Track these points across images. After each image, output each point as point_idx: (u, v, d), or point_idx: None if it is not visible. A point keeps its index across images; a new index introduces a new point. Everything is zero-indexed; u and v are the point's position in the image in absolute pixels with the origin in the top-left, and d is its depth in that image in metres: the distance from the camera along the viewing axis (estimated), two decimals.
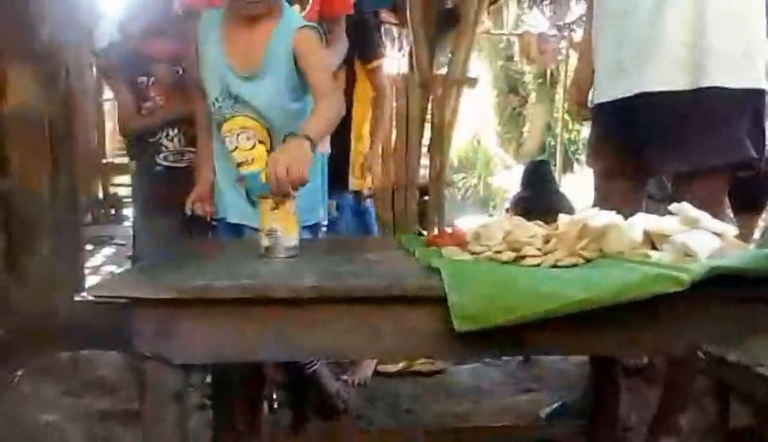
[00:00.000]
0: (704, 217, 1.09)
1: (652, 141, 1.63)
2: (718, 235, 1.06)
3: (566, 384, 2.45)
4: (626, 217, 1.18)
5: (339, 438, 2.06)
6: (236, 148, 1.72)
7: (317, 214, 1.84)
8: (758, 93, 1.58)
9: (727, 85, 1.53)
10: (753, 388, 0.83)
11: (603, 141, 1.81)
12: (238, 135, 1.72)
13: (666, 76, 1.57)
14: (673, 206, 1.16)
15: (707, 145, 1.55)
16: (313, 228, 1.83)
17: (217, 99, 1.73)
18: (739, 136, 1.55)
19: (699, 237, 1.04)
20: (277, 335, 0.95)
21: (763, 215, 3.24)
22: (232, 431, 1.64)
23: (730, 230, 1.09)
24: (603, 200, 1.74)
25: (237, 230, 1.79)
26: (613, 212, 1.20)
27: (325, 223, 2.10)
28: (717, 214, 1.37)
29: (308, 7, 1.99)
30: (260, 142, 1.71)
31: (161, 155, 2.27)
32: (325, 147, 1.96)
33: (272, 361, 1.66)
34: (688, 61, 1.55)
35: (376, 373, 2.58)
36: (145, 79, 2.27)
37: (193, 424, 1.23)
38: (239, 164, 1.73)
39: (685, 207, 1.12)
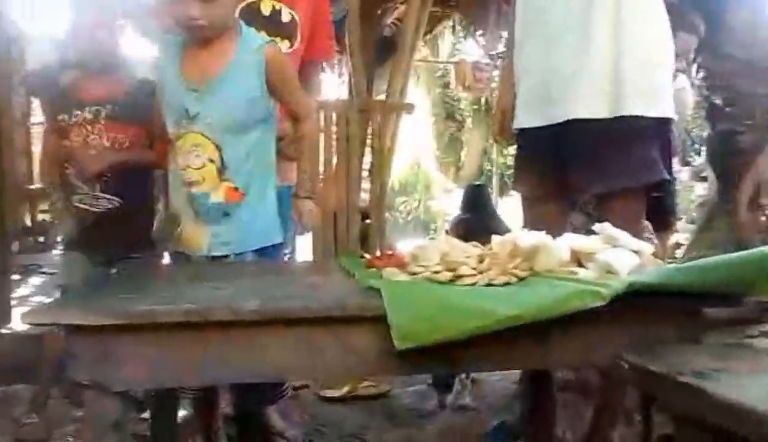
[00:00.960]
0: (623, 236, 1.17)
1: (575, 164, 1.74)
2: (636, 252, 1.14)
3: (508, 403, 2.51)
4: (554, 237, 1.26)
5: None
6: (187, 166, 1.71)
7: (272, 237, 1.84)
8: (667, 122, 1.75)
9: (642, 114, 1.67)
10: (672, 397, 0.86)
11: (529, 165, 1.91)
12: (189, 153, 1.70)
13: (590, 105, 1.69)
14: (597, 226, 1.24)
15: (625, 167, 1.68)
16: (269, 250, 1.82)
17: (173, 123, 1.72)
18: (652, 159, 1.69)
19: (620, 255, 1.12)
20: (220, 358, 0.95)
21: (682, 234, 3.46)
22: None
23: (647, 248, 1.18)
24: (531, 222, 1.84)
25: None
26: (542, 233, 1.26)
27: (288, 250, 2.12)
28: (636, 232, 1.48)
29: (295, 45, 2.03)
30: (210, 161, 1.70)
31: (77, 197, 2.15)
32: (290, 178, 1.98)
33: (214, 384, 1.64)
34: (608, 93, 1.68)
35: (321, 398, 2.57)
36: (66, 117, 2.13)
37: None
38: (190, 184, 1.71)
39: (607, 227, 1.20)
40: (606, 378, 1.71)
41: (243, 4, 1.96)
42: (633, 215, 1.69)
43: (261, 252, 1.79)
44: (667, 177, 1.72)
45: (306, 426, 2.30)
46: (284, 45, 1.96)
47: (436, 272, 1.16)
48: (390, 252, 1.36)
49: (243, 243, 1.77)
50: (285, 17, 2.03)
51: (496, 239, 1.28)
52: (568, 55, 1.72)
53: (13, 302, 3.09)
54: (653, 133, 1.70)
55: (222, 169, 1.71)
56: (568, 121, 1.71)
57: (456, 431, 2.29)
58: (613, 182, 1.69)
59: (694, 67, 2.55)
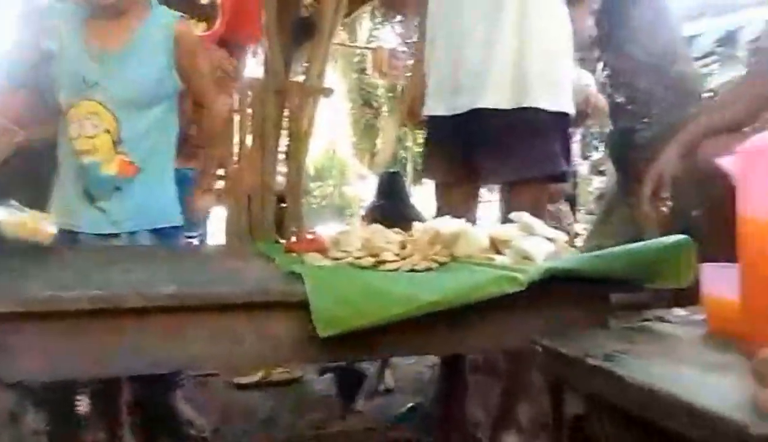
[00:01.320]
0: (539, 224, 1.22)
1: (482, 152, 1.82)
2: (551, 240, 1.19)
3: (420, 387, 2.56)
4: (463, 220, 1.29)
5: None
6: (80, 135, 1.61)
7: (169, 218, 1.77)
8: (566, 116, 1.85)
9: (543, 107, 1.76)
10: (583, 378, 0.90)
11: (438, 151, 1.97)
12: (83, 121, 1.61)
13: (496, 96, 1.77)
14: (513, 214, 1.28)
15: (527, 159, 1.77)
16: (166, 231, 1.75)
17: (67, 91, 1.61)
18: (553, 152, 1.79)
19: (536, 242, 1.16)
20: (132, 347, 0.89)
21: (581, 225, 3.66)
22: None
23: (561, 236, 1.23)
24: (443, 206, 1.93)
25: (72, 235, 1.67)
26: (462, 220, 1.29)
27: (193, 233, 2.05)
28: (540, 216, 1.57)
29: (214, 28, 1.94)
30: (106, 131, 1.62)
31: None
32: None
33: (126, 375, 1.56)
34: (513, 85, 1.77)
35: (232, 385, 2.51)
36: None
37: None
38: (81, 152, 1.61)
39: (523, 215, 1.24)
40: (514, 361, 1.78)
41: None
42: (536, 203, 1.77)
43: (158, 233, 1.72)
44: (567, 168, 1.83)
45: (215, 414, 2.24)
46: (200, 27, 1.88)
47: (359, 258, 1.16)
48: (310, 236, 1.33)
49: (135, 222, 1.69)
50: None
51: (418, 225, 1.29)
52: (476, 48, 1.80)
53: None
54: (553, 126, 1.80)
55: (118, 142, 1.63)
56: (473, 110, 1.79)
57: (366, 414, 2.31)
58: (518, 172, 1.79)
59: (600, 65, 2.68)
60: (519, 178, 1.80)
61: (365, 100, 11.16)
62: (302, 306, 0.94)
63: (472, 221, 1.76)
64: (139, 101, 1.65)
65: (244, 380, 2.54)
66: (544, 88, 1.77)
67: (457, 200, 1.92)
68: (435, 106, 1.93)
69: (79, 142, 1.62)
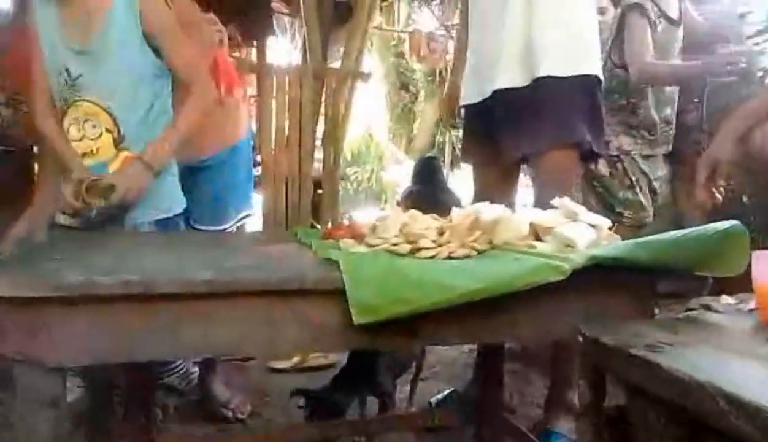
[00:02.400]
0: (582, 210, 1.18)
1: (503, 132, 1.83)
2: (593, 227, 1.14)
3: (457, 372, 2.54)
4: (503, 203, 1.27)
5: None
6: (83, 137, 1.61)
7: (172, 207, 1.76)
8: (589, 79, 1.78)
9: (557, 74, 1.72)
10: (623, 368, 0.88)
11: (470, 135, 2.04)
12: (84, 122, 1.61)
13: (508, 75, 1.78)
14: (555, 201, 1.24)
15: (539, 129, 1.74)
16: (170, 222, 1.73)
17: (57, 82, 1.59)
18: (570, 122, 1.74)
19: (578, 229, 1.12)
20: (168, 333, 0.90)
21: None
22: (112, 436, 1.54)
23: (605, 222, 1.18)
24: (477, 188, 2.00)
25: None
26: (499, 204, 1.26)
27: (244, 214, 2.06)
28: (564, 188, 1.57)
29: None
30: (107, 130, 1.62)
31: None
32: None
33: (162, 360, 1.58)
34: (523, 60, 1.76)
35: (269, 370, 2.53)
36: None
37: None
38: (84, 155, 1.62)
39: (566, 202, 1.20)
40: (562, 347, 1.75)
41: None
42: (559, 176, 1.74)
43: (161, 224, 1.70)
44: (587, 138, 1.75)
45: (252, 397, 2.26)
46: None
47: (395, 244, 1.14)
48: (347, 223, 1.32)
49: (140, 212, 1.66)
50: None
51: (456, 211, 1.26)
52: (491, 32, 1.83)
53: None
54: (572, 92, 1.75)
55: (120, 140, 1.62)
56: (494, 93, 1.80)
57: (404, 399, 2.30)
58: (533, 144, 1.77)
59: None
60: (533, 151, 1.78)
61: (403, 84, 11.06)
62: (339, 293, 0.93)
63: (510, 204, 1.75)
64: (128, 87, 1.60)
65: (279, 365, 2.56)
66: (558, 54, 1.74)
67: (490, 182, 1.96)
68: (466, 95, 2.00)
69: (82, 145, 1.62)
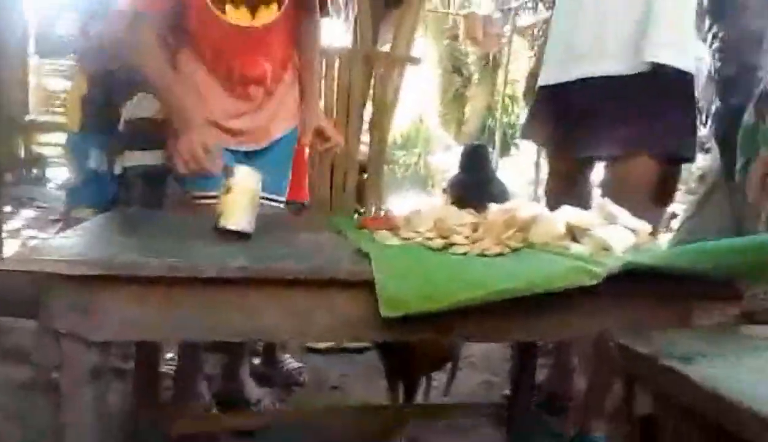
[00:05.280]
0: (622, 213, 1.15)
1: (587, 123, 1.72)
2: (633, 231, 1.12)
3: (491, 363, 2.54)
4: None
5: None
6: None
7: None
8: (690, 79, 1.68)
9: (665, 62, 1.60)
10: (651, 377, 0.87)
11: (541, 115, 1.91)
12: None
13: (613, 61, 1.66)
14: (596, 201, 1.22)
15: (641, 130, 1.64)
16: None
17: None
18: (675, 123, 1.65)
19: (615, 232, 1.10)
20: (205, 315, 0.94)
21: (679, 205, 3.43)
22: (155, 408, 1.61)
23: (645, 226, 1.16)
24: (552, 173, 1.92)
25: None
26: (541, 204, 1.25)
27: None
28: (640, 201, 1.46)
29: (284, 4, 1.70)
30: None
31: None
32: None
33: (201, 341, 1.64)
34: (633, 45, 1.63)
35: (306, 349, 2.58)
36: None
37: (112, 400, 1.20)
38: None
39: (606, 203, 1.18)
40: (597, 354, 1.72)
41: None
42: (638, 183, 1.64)
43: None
44: (685, 154, 1.66)
45: (293, 374, 2.30)
46: (272, 10, 1.66)
47: (429, 239, 1.14)
48: (384, 214, 1.33)
49: None
50: None
51: (493, 207, 1.26)
52: (592, 12, 1.71)
53: (4, 235, 3.07)
54: (676, 91, 1.64)
55: None
56: (586, 79, 1.70)
57: (439, 388, 2.31)
58: (626, 145, 1.65)
59: (710, 36, 2.47)
60: (624, 153, 1.67)
61: (455, 68, 10.92)
62: (369, 285, 0.95)
63: (581, 196, 1.69)
64: None
65: (316, 345, 2.60)
66: (669, 42, 1.62)
67: (560, 171, 1.89)
68: (546, 76, 1.88)
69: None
